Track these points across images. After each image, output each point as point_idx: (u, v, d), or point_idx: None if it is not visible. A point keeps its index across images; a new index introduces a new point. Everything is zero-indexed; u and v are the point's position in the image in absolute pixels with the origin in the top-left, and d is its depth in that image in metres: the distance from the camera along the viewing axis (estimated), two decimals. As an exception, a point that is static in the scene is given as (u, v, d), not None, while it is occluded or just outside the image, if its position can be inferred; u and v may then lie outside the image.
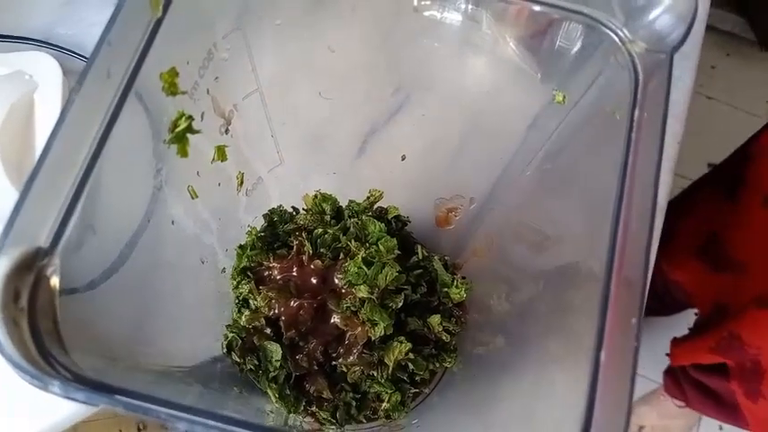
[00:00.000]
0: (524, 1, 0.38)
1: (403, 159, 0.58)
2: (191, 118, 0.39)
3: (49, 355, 0.29)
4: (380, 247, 0.54)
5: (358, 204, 0.60)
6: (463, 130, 0.57)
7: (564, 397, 0.38)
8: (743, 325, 0.93)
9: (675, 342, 1.16)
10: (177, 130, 0.39)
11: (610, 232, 0.33)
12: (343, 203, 0.61)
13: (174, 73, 0.38)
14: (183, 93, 0.39)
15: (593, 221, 0.42)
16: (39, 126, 0.63)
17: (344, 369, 0.54)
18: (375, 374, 0.54)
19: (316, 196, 0.60)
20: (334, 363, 0.54)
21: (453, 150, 0.58)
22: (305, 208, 0.61)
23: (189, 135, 0.40)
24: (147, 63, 0.35)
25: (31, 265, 0.30)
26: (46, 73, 0.65)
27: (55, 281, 0.31)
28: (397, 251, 0.56)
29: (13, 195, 0.59)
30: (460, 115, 0.56)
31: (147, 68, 0.35)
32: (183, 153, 0.40)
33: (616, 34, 0.37)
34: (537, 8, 0.38)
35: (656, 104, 0.34)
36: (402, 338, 0.53)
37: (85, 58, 0.68)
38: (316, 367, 0.54)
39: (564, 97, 0.45)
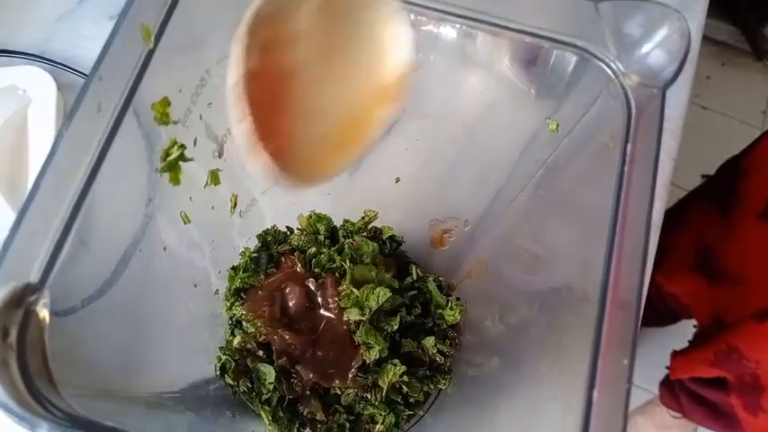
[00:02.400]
0: (518, 33, 0.38)
1: (397, 182, 0.58)
2: (183, 147, 0.39)
3: (38, 394, 0.29)
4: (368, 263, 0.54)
5: (353, 224, 0.60)
6: (457, 149, 0.57)
7: (558, 422, 0.38)
8: (741, 338, 0.93)
9: (675, 355, 1.16)
10: (169, 158, 0.39)
11: (603, 269, 0.33)
12: (338, 223, 0.61)
13: (165, 103, 0.37)
14: (175, 122, 0.39)
15: (586, 244, 0.42)
16: (32, 141, 0.63)
17: (338, 391, 0.54)
18: (369, 396, 0.54)
19: (310, 216, 0.60)
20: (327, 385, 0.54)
21: (447, 171, 0.58)
22: (299, 228, 0.61)
23: (181, 163, 0.40)
24: (138, 94, 0.35)
25: (20, 302, 0.30)
26: (40, 88, 0.64)
27: (44, 315, 0.31)
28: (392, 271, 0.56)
29: (5, 209, 0.59)
30: (455, 134, 0.56)
31: (139, 99, 0.35)
32: (176, 181, 0.40)
33: (609, 67, 0.37)
34: (529, 40, 0.38)
35: (648, 140, 0.34)
36: (396, 361, 0.53)
37: (79, 72, 0.68)
38: (308, 390, 0.54)
39: (557, 126, 0.44)
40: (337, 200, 0.60)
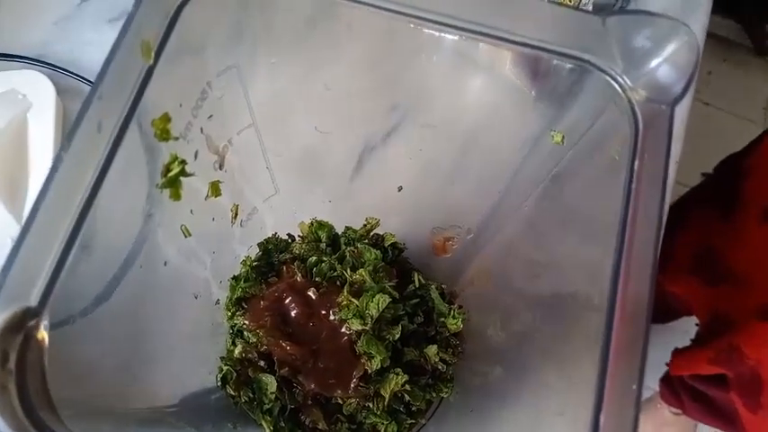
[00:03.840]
0: (522, 46, 0.37)
1: (400, 190, 0.57)
2: (184, 162, 0.39)
3: (39, 422, 0.29)
4: (364, 273, 0.54)
5: (354, 231, 0.60)
6: (459, 155, 0.57)
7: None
8: (743, 337, 0.92)
9: (676, 352, 1.16)
10: (170, 174, 0.38)
11: (610, 283, 0.33)
12: (340, 230, 0.60)
13: (165, 119, 0.37)
14: (176, 139, 0.38)
15: (592, 253, 0.42)
16: (32, 145, 0.63)
17: (340, 400, 0.54)
18: (371, 406, 0.54)
19: (311, 224, 0.60)
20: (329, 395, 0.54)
21: (449, 178, 0.57)
22: (300, 235, 0.60)
23: (182, 178, 0.40)
24: (140, 109, 0.34)
25: (20, 327, 0.30)
26: (39, 92, 0.64)
27: (44, 337, 0.31)
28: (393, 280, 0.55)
29: (4, 214, 0.59)
30: (456, 139, 0.56)
31: (143, 111, 0.35)
32: (177, 197, 0.40)
33: (616, 81, 0.36)
34: (534, 52, 0.38)
35: (656, 157, 0.34)
36: (399, 370, 0.53)
37: (79, 76, 0.67)
38: (310, 400, 0.54)
39: (562, 138, 0.44)
40: (338, 207, 0.60)
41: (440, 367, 0.56)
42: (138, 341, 0.45)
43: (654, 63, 0.35)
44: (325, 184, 0.60)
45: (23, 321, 0.30)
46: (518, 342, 0.53)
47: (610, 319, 0.33)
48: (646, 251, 0.34)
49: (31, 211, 0.30)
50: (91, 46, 0.71)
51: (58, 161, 0.30)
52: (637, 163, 0.34)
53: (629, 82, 0.36)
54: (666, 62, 0.35)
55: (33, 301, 0.30)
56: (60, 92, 0.65)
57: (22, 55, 0.68)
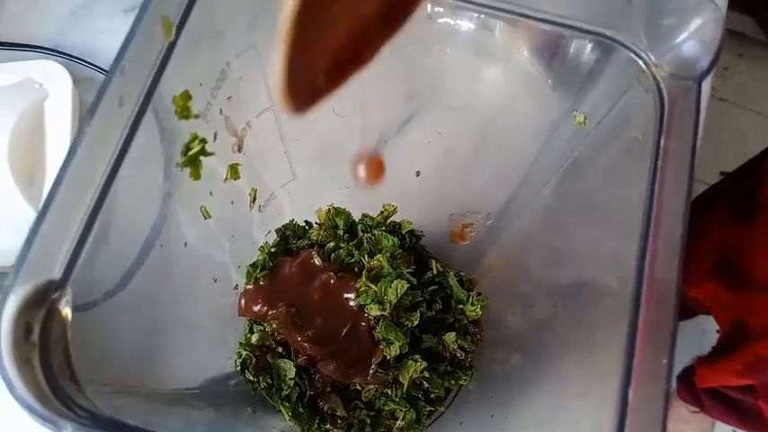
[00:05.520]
0: (545, 23, 0.37)
1: (418, 175, 0.57)
2: (204, 141, 0.39)
3: (62, 393, 0.29)
4: (382, 259, 0.53)
5: (372, 219, 0.59)
6: (477, 142, 0.56)
7: (588, 419, 0.37)
8: None
9: (700, 363, 1.14)
10: (190, 153, 0.38)
11: (636, 264, 0.32)
12: (357, 217, 0.60)
13: (186, 96, 0.37)
14: (196, 116, 0.38)
15: (613, 238, 0.41)
16: (49, 134, 0.63)
17: (359, 387, 0.54)
18: (389, 392, 0.53)
19: (329, 210, 0.59)
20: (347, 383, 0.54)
21: (467, 164, 0.57)
22: (318, 222, 0.60)
23: (202, 157, 0.40)
24: (160, 88, 0.34)
25: (43, 299, 0.30)
26: (56, 81, 0.64)
27: (67, 312, 0.31)
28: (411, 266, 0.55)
29: (22, 203, 0.59)
30: (474, 126, 0.55)
31: (160, 92, 0.35)
32: (197, 176, 0.40)
33: (640, 57, 0.36)
34: (556, 29, 0.37)
35: (684, 132, 0.33)
36: (417, 357, 0.52)
37: (95, 66, 0.67)
38: (329, 386, 0.53)
39: (585, 118, 0.44)
40: (356, 194, 0.59)
41: (458, 354, 0.55)
42: (158, 324, 0.45)
43: (679, 39, 0.35)
44: (343, 171, 0.60)
45: (46, 294, 0.30)
46: (537, 329, 0.52)
47: (637, 296, 0.32)
48: (674, 228, 0.33)
49: (53, 184, 0.30)
50: (107, 36, 0.71)
51: (80, 134, 0.30)
52: (663, 141, 0.34)
53: (653, 58, 0.36)
54: (692, 37, 0.34)
55: (56, 274, 0.30)
56: (76, 81, 0.65)
57: (39, 45, 0.69)
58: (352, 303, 0.53)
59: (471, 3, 0.42)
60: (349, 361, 0.53)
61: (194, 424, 0.42)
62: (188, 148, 0.38)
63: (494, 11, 0.42)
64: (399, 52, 0.53)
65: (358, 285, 0.53)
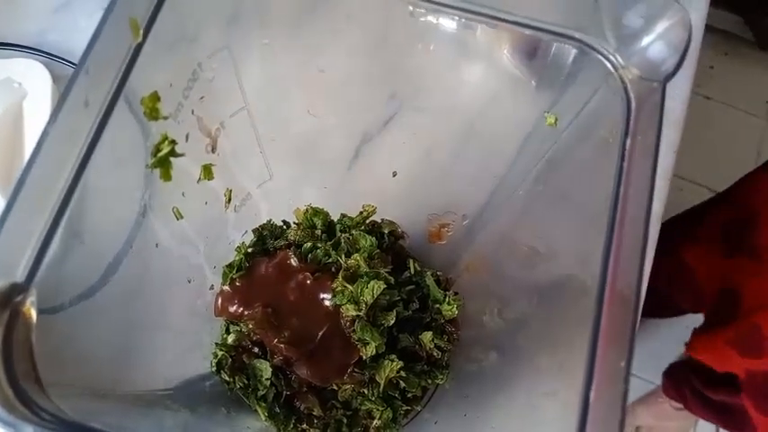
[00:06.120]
0: (516, 25, 0.37)
1: (394, 176, 0.57)
2: (173, 142, 0.39)
3: (25, 397, 0.28)
4: (359, 258, 0.53)
5: (351, 219, 0.59)
6: (456, 142, 0.56)
7: (557, 418, 0.37)
8: (765, 319, 0.91)
9: (695, 333, 1.14)
10: (160, 154, 0.38)
11: (600, 264, 0.33)
12: (335, 217, 0.60)
13: (155, 98, 0.37)
14: (165, 118, 0.38)
15: (586, 238, 0.41)
16: (28, 134, 0.63)
17: (335, 387, 0.54)
18: (366, 392, 0.53)
19: (307, 210, 0.59)
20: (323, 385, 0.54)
21: (446, 165, 0.57)
22: (296, 222, 0.60)
23: (172, 158, 0.40)
24: (127, 88, 0.34)
25: (6, 302, 0.30)
26: (35, 80, 0.64)
27: (32, 314, 0.31)
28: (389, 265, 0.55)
29: (0, 203, 0.59)
30: (454, 127, 0.55)
31: (131, 90, 0.35)
32: (167, 177, 0.39)
33: (608, 60, 0.36)
34: (528, 32, 0.38)
35: (648, 134, 0.33)
36: (393, 357, 0.53)
37: (75, 64, 0.66)
38: (305, 386, 0.53)
39: (555, 120, 0.44)
40: (334, 194, 0.59)
41: (435, 354, 0.55)
42: (132, 326, 0.45)
43: (646, 41, 0.35)
44: (321, 171, 0.60)
45: (9, 297, 0.30)
46: (513, 328, 0.52)
47: (600, 297, 0.32)
48: (636, 230, 0.33)
49: (16, 185, 0.30)
50: (87, 34, 0.69)
51: (44, 135, 0.30)
52: (629, 142, 0.34)
53: (621, 60, 0.36)
54: (659, 39, 0.35)
55: (19, 276, 0.30)
56: (56, 80, 0.64)
57: (18, 43, 0.68)
58: (328, 303, 0.53)
59: (446, 6, 0.42)
60: (325, 362, 0.53)
61: (169, 426, 0.41)
62: (158, 149, 0.38)
63: (469, 14, 0.42)
64: (381, 52, 0.53)
65: (334, 285, 0.53)
